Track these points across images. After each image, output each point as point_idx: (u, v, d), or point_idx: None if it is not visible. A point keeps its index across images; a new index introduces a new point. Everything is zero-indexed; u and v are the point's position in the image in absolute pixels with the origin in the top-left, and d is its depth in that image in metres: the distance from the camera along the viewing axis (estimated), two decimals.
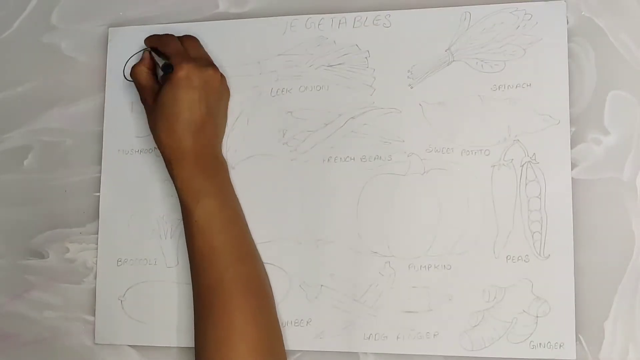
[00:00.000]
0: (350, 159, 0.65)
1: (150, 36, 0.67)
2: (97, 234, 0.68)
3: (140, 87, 0.66)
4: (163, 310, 0.66)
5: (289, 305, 0.64)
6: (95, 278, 0.68)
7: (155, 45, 0.66)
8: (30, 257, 0.70)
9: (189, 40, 0.66)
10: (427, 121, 0.64)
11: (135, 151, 0.68)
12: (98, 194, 0.69)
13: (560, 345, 0.61)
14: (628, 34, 0.63)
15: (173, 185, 0.63)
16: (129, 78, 0.66)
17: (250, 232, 0.65)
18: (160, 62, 0.66)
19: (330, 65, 0.67)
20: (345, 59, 0.66)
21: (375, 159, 0.65)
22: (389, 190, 0.64)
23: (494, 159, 0.63)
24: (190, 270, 0.62)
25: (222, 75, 0.65)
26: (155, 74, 0.67)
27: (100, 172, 0.69)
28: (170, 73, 0.63)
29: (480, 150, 0.64)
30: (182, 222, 0.62)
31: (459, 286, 0.62)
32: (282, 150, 0.66)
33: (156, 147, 0.64)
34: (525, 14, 0.64)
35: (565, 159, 0.62)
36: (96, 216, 0.69)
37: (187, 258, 0.62)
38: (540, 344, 0.61)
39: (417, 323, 0.63)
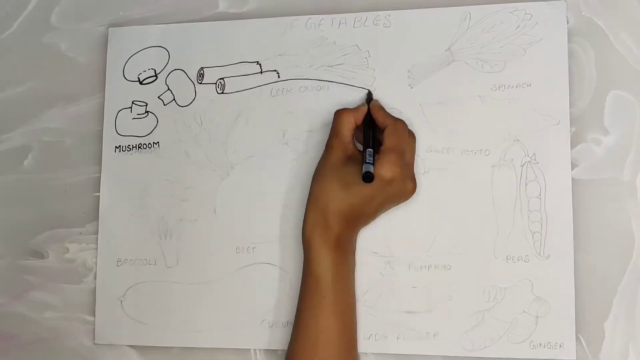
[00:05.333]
0: None
1: (382, 109, 0.63)
2: (97, 234, 0.68)
3: (337, 134, 0.62)
4: (163, 310, 0.66)
5: (289, 306, 0.64)
6: (95, 278, 0.68)
7: (383, 123, 0.62)
8: (30, 257, 0.70)
9: (411, 140, 0.63)
10: (427, 121, 0.64)
11: (135, 151, 0.68)
12: (98, 194, 0.69)
13: (560, 346, 0.61)
14: (628, 34, 0.63)
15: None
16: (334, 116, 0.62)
17: (356, 324, 0.62)
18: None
19: (330, 66, 0.67)
20: (345, 59, 0.66)
21: None
22: None
23: (494, 159, 0.63)
24: (293, 329, 0.61)
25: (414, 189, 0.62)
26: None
27: (100, 172, 0.69)
28: (371, 156, 0.59)
29: (480, 150, 0.63)
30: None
31: (459, 286, 0.62)
32: (282, 150, 0.66)
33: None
34: (525, 14, 0.64)
35: (565, 159, 0.62)
36: (96, 216, 0.69)
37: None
38: (540, 344, 0.61)
39: (417, 323, 0.63)
